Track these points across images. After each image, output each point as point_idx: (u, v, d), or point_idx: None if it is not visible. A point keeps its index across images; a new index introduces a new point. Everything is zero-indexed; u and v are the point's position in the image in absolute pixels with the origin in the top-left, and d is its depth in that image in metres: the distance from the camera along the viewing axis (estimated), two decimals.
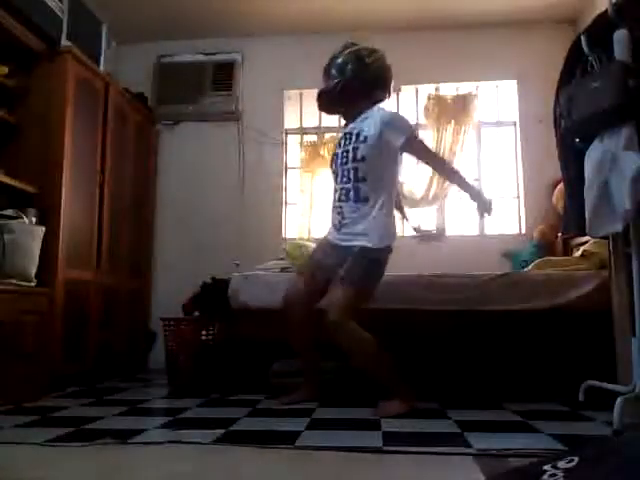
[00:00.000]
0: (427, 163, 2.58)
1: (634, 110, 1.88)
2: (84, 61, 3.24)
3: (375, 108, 2.49)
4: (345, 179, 2.43)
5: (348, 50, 2.50)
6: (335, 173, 2.53)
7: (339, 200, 2.45)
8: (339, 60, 2.49)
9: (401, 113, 2.46)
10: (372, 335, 2.30)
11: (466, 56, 4.08)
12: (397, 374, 2.34)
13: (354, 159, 2.40)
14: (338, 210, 2.46)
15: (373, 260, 2.38)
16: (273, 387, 2.77)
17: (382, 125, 2.38)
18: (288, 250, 3.24)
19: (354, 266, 2.34)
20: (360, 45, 2.53)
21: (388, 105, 2.66)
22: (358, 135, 2.41)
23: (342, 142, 2.51)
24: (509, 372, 2.70)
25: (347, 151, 2.44)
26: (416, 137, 2.47)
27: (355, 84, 2.45)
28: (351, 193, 2.40)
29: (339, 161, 2.49)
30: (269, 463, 1.60)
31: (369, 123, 2.42)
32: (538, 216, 3.85)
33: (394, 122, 2.43)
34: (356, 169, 2.40)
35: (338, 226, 2.47)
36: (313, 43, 4.03)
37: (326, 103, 2.59)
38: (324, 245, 2.58)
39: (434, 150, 2.65)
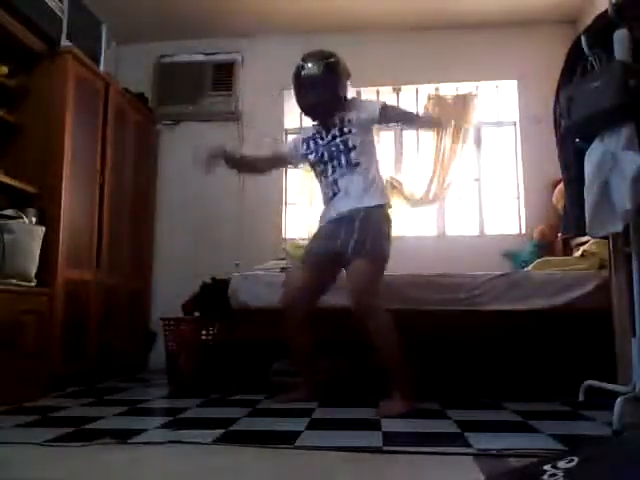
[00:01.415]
0: (404, 123, 2.94)
1: (634, 110, 1.88)
2: (84, 61, 3.24)
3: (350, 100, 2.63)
4: (335, 154, 2.52)
5: (316, 60, 2.57)
6: (317, 160, 2.59)
7: (333, 172, 2.52)
8: (317, 72, 2.54)
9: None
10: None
11: (466, 56, 4.08)
12: (410, 374, 2.34)
13: (341, 134, 2.51)
14: (335, 180, 2.51)
15: (382, 219, 2.44)
16: (273, 387, 2.77)
17: (362, 111, 2.56)
18: (288, 250, 3.25)
19: (370, 227, 2.37)
20: (315, 50, 2.64)
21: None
22: (343, 118, 2.53)
23: (323, 134, 2.58)
24: (509, 372, 2.70)
25: (333, 135, 2.53)
26: (386, 106, 2.61)
27: (340, 88, 2.56)
28: (342, 161, 2.49)
29: (324, 143, 2.56)
30: (269, 463, 1.60)
31: (349, 108, 2.56)
32: (538, 216, 3.85)
33: (362, 104, 2.65)
34: (345, 141, 2.50)
35: (340, 196, 2.49)
36: (313, 43, 4.00)
37: (325, 112, 2.60)
38: (322, 234, 2.56)
39: (403, 112, 2.84)
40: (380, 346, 2.33)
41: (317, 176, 2.65)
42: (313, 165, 2.64)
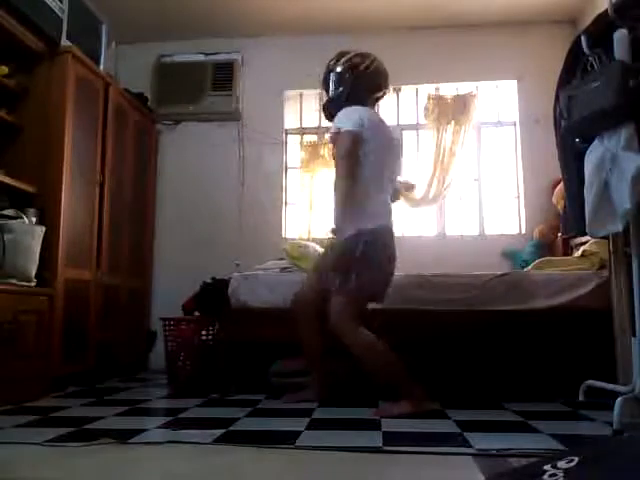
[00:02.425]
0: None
1: (634, 110, 1.88)
2: (84, 61, 3.23)
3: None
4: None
5: (344, 59, 2.56)
6: None
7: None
8: (338, 70, 2.54)
9: (354, 109, 2.43)
10: (377, 336, 2.33)
11: (466, 56, 4.08)
12: (407, 375, 2.34)
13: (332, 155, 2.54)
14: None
15: (345, 252, 2.36)
16: (272, 387, 2.77)
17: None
18: (288, 250, 3.24)
19: (336, 265, 2.39)
20: (352, 52, 2.58)
21: (389, 105, 2.70)
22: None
23: None
24: (509, 372, 2.70)
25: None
26: (337, 133, 2.40)
27: (355, 91, 2.51)
28: (334, 190, 2.43)
29: None
30: (269, 463, 1.60)
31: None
32: (538, 216, 3.85)
33: (338, 116, 2.45)
34: (336, 166, 2.44)
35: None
36: (313, 43, 4.03)
37: (334, 112, 2.57)
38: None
39: (343, 161, 2.37)
40: (363, 363, 2.38)
41: None
42: None
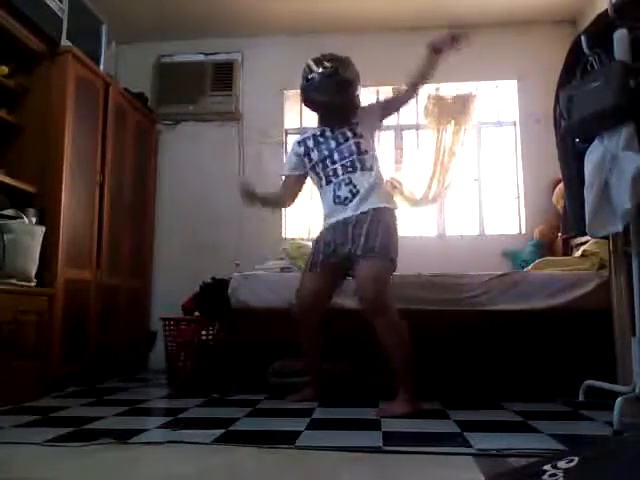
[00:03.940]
0: (404, 103, 2.75)
1: (634, 110, 1.88)
2: (84, 61, 3.24)
3: None
4: (347, 154, 2.53)
5: (343, 62, 2.59)
6: (321, 159, 2.59)
7: (345, 172, 2.51)
8: (347, 74, 2.56)
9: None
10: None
11: (466, 56, 4.02)
12: (413, 373, 2.35)
13: (354, 136, 2.55)
14: (347, 181, 2.50)
15: (394, 221, 2.47)
16: (271, 387, 2.77)
17: (360, 113, 2.61)
18: (288, 250, 3.25)
19: (381, 231, 2.37)
20: (334, 54, 2.63)
21: None
22: (349, 122, 2.59)
23: (327, 134, 2.61)
24: (509, 372, 2.70)
25: (343, 133, 2.57)
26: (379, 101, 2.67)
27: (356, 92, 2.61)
28: (357, 164, 2.51)
29: (332, 145, 2.57)
30: (269, 463, 1.60)
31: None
32: (538, 216, 3.85)
33: (365, 108, 2.66)
34: (357, 144, 2.53)
35: (350, 197, 2.47)
36: (313, 43, 4.00)
37: (342, 114, 2.62)
38: (330, 236, 2.50)
39: (398, 97, 2.79)
40: (390, 344, 2.32)
41: (320, 176, 2.58)
42: (315, 164, 2.60)
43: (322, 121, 2.68)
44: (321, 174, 2.59)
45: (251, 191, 2.64)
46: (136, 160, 3.90)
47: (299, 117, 4.34)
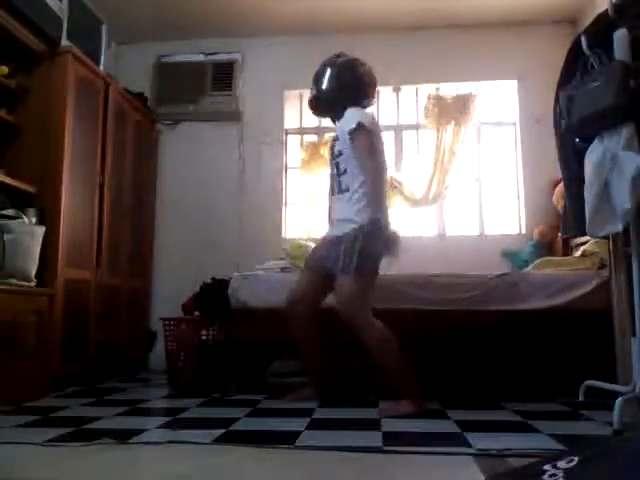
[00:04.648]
0: (361, 162, 2.47)
1: (634, 110, 1.88)
2: (84, 61, 3.23)
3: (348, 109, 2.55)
4: (335, 171, 2.57)
5: (341, 59, 2.60)
6: (331, 179, 2.65)
7: (332, 193, 2.61)
8: (336, 69, 2.57)
9: (366, 112, 2.57)
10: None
11: (466, 56, 4.08)
12: (412, 375, 2.35)
13: (337, 155, 2.55)
14: (334, 205, 2.60)
15: (362, 238, 2.37)
16: (270, 386, 2.78)
17: (344, 121, 2.52)
18: (288, 250, 3.25)
19: (347, 249, 2.38)
20: (349, 56, 2.63)
21: (389, 105, 2.71)
22: (337, 135, 2.58)
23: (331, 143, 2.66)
24: (509, 372, 2.70)
25: (332, 146, 2.60)
26: (359, 129, 2.42)
27: (349, 91, 2.57)
28: (337, 186, 2.55)
29: (331, 156, 2.62)
30: (269, 463, 1.60)
31: (341, 122, 2.55)
32: (538, 216, 3.85)
33: (349, 115, 2.51)
34: (337, 164, 2.54)
35: (335, 218, 2.57)
36: (313, 43, 4.03)
37: (322, 107, 2.69)
38: (320, 248, 2.60)
39: (369, 156, 2.44)
40: (369, 347, 2.36)
41: (332, 183, 2.63)
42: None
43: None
44: (331, 181, 2.64)
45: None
46: (136, 160, 3.90)
47: (299, 117, 4.34)
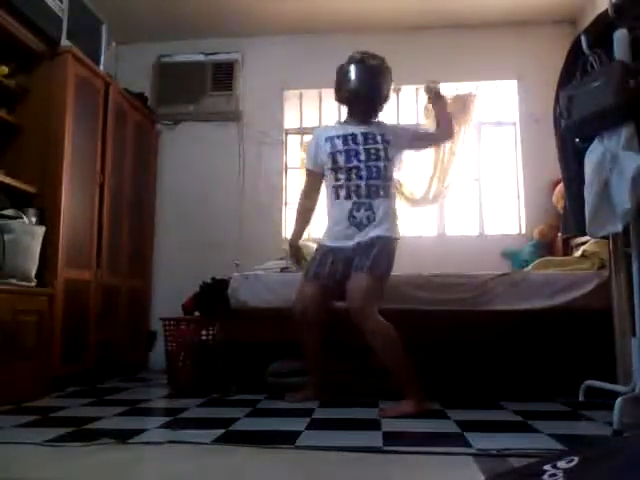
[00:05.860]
0: (436, 141, 2.93)
1: (634, 110, 1.88)
2: (84, 61, 3.23)
3: (379, 118, 2.69)
4: (375, 175, 2.51)
5: (383, 61, 2.65)
6: (347, 168, 2.53)
7: (368, 196, 2.49)
8: (388, 73, 2.64)
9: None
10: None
11: (466, 56, 4.08)
12: (415, 375, 2.35)
13: (385, 158, 2.54)
14: (367, 206, 2.48)
15: (393, 250, 2.50)
16: (269, 387, 2.77)
17: (393, 131, 2.65)
18: (288, 250, 3.23)
19: (380, 254, 2.41)
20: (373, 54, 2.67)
21: (388, 105, 2.75)
22: (383, 136, 2.57)
23: (359, 140, 2.55)
24: (509, 372, 2.70)
25: (376, 150, 2.54)
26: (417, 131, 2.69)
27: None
28: (381, 191, 2.50)
29: (362, 157, 2.52)
30: (269, 463, 1.60)
31: (385, 128, 2.63)
32: (538, 216, 3.85)
33: (398, 129, 2.80)
34: (385, 167, 2.53)
35: (366, 223, 2.47)
36: (313, 43, 4.03)
37: (379, 110, 2.69)
38: (339, 257, 2.51)
39: (433, 133, 2.85)
40: (377, 348, 2.37)
41: (341, 186, 2.52)
42: (339, 169, 2.54)
43: (351, 115, 2.66)
44: (343, 184, 2.53)
45: (299, 250, 2.79)
46: (136, 160, 3.90)
47: (299, 117, 4.34)
